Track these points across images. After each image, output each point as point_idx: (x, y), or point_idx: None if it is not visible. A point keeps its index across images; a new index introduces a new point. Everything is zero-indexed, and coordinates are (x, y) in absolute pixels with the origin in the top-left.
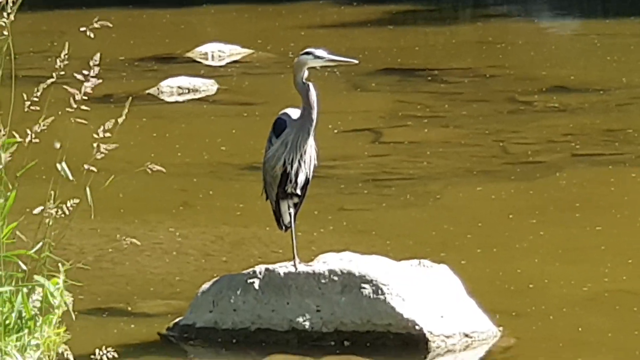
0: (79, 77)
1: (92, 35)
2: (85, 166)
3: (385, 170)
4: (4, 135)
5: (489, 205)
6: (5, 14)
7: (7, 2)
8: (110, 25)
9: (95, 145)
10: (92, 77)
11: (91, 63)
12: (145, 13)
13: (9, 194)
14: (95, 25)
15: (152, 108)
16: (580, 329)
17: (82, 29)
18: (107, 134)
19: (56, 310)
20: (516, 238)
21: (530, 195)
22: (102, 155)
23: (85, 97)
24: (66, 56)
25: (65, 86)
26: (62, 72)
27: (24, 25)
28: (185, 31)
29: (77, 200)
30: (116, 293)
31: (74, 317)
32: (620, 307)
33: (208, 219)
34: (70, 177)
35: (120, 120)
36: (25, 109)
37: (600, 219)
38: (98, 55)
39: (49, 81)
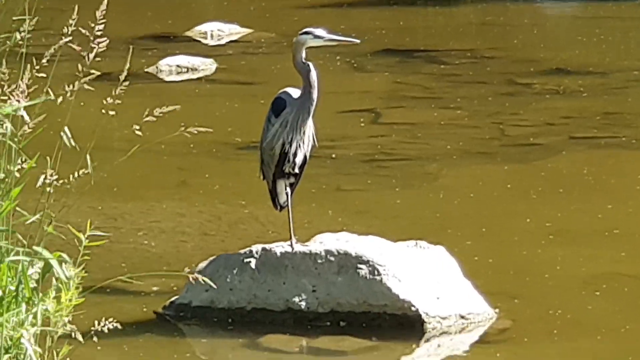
0: (84, 31)
1: None
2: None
3: (383, 151)
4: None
5: (486, 187)
6: None
7: None
8: None
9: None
10: (99, 31)
11: (98, 14)
12: None
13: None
14: None
15: (151, 87)
16: (576, 310)
17: None
18: (117, 101)
19: (57, 284)
20: (513, 220)
21: (528, 177)
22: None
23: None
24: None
25: (71, 44)
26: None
27: (22, 2)
28: (185, 10)
29: (86, 171)
30: (112, 271)
31: (61, 287)
32: (617, 289)
33: (205, 198)
34: (72, 143)
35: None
36: (36, 73)
37: (598, 201)
38: (105, 2)
39: (60, 43)
